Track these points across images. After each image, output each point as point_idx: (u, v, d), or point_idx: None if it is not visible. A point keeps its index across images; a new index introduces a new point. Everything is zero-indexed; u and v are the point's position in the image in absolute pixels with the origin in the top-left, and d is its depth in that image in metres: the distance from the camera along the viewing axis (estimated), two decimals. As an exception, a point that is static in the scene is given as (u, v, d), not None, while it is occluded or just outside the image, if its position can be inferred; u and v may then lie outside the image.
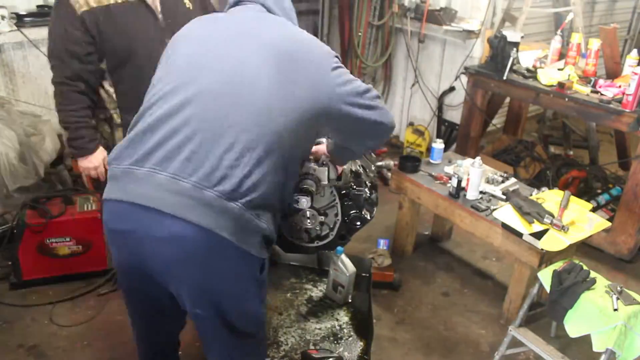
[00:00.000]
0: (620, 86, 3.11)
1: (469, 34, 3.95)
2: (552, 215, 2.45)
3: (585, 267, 2.22)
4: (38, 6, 3.16)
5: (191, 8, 2.24)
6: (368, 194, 2.01)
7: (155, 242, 1.38)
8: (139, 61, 2.12)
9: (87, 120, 2.18)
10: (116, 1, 2.05)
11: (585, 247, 3.21)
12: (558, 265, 2.25)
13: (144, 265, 1.45)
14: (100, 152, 2.24)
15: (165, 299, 1.54)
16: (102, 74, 2.17)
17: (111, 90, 2.20)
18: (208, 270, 1.41)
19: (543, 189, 2.83)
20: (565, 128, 4.53)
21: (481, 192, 2.80)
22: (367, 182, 2.07)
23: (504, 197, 2.74)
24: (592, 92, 3.17)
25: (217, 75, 1.43)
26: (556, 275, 2.18)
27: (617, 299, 2.06)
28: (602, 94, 3.11)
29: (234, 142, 1.37)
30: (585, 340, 2.08)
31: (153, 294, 1.56)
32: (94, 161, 2.22)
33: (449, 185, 2.85)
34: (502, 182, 2.90)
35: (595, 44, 3.38)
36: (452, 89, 4.25)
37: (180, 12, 2.20)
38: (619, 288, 2.11)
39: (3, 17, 2.92)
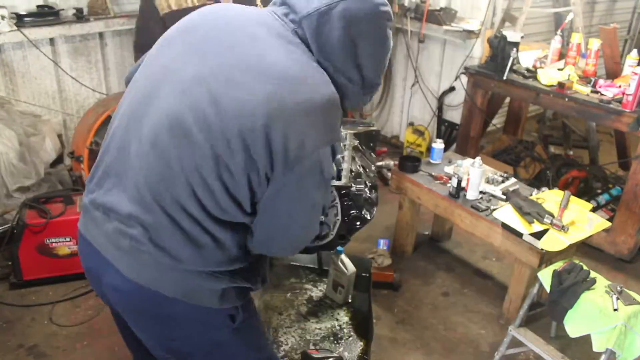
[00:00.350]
0: (620, 86, 3.11)
1: (469, 34, 3.95)
2: (552, 215, 2.45)
3: (585, 267, 2.22)
4: (38, 6, 3.16)
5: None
6: (368, 194, 2.01)
7: (106, 287, 1.31)
8: None
9: None
10: (193, 4, 2.23)
11: (585, 247, 3.21)
12: (558, 265, 2.25)
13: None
14: None
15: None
16: None
17: None
18: (161, 326, 1.31)
19: (543, 189, 2.83)
20: (565, 128, 4.53)
21: (481, 192, 2.79)
22: (367, 182, 2.07)
23: (504, 197, 2.74)
24: (592, 92, 3.17)
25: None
26: (556, 275, 2.18)
27: (617, 299, 2.05)
28: (602, 94, 3.11)
29: None
30: (585, 340, 2.08)
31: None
32: None
33: (449, 185, 2.85)
34: (502, 182, 2.90)
35: (595, 44, 3.37)
36: (452, 89, 4.25)
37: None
38: (619, 288, 2.11)
39: (3, 17, 2.92)
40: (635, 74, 2.87)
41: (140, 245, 1.20)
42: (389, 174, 3.77)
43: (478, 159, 2.75)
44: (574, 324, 2.08)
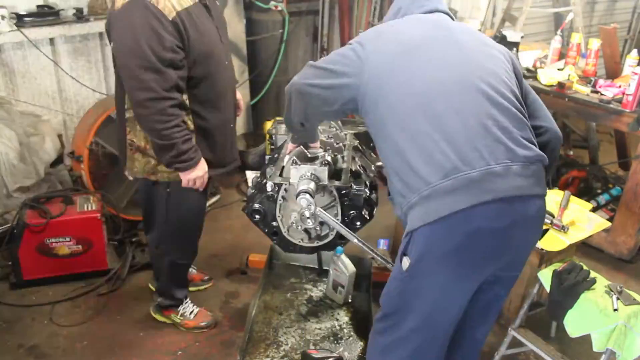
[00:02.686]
0: (620, 86, 3.11)
1: (469, 34, 3.94)
2: (552, 215, 2.45)
3: (585, 267, 2.22)
4: (38, 6, 3.16)
5: (218, 3, 2.24)
6: (368, 194, 2.01)
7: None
8: (213, 63, 2.08)
9: (188, 130, 2.06)
10: (193, 2, 1.98)
11: (585, 247, 3.21)
12: (558, 265, 2.25)
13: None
14: (203, 160, 2.13)
15: None
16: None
17: (184, 96, 2.06)
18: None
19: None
20: (565, 128, 4.53)
21: (481, 192, 2.79)
22: (367, 182, 2.07)
23: (504, 197, 2.74)
24: (592, 92, 3.17)
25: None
26: (556, 275, 2.18)
27: (617, 299, 2.05)
28: (602, 94, 3.11)
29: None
30: (585, 340, 2.08)
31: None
32: (203, 167, 2.12)
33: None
34: (502, 182, 2.90)
35: (595, 44, 3.38)
36: (452, 89, 4.24)
37: (218, 9, 2.20)
38: (619, 288, 2.11)
39: (3, 17, 2.92)
40: (635, 74, 2.88)
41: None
42: (389, 174, 3.77)
43: (478, 159, 2.74)
44: (574, 324, 2.08)
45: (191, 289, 2.80)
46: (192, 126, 2.11)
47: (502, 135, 1.47)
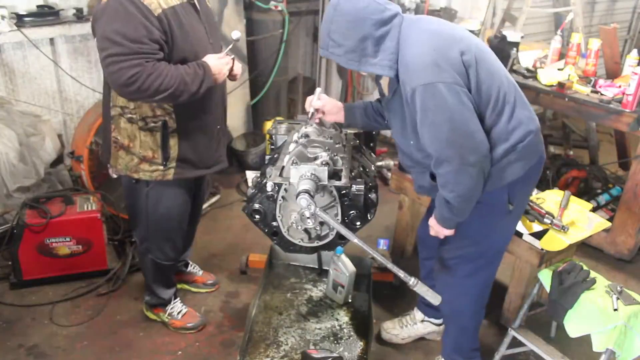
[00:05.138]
0: (620, 86, 3.11)
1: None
2: (552, 215, 2.45)
3: (585, 267, 2.22)
4: (38, 6, 3.16)
5: (209, 6, 2.25)
6: (368, 194, 2.01)
7: None
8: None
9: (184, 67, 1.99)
10: (180, 1, 2.00)
11: (585, 247, 3.21)
12: (558, 265, 2.25)
13: None
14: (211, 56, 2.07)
15: None
16: None
17: None
18: None
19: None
20: (565, 128, 4.53)
21: (481, 192, 2.79)
22: (367, 182, 2.07)
23: (504, 197, 2.74)
24: (592, 92, 3.17)
25: None
26: (556, 275, 2.18)
27: (617, 299, 2.05)
28: (602, 94, 3.12)
29: None
30: (585, 340, 2.08)
31: None
32: (218, 64, 2.06)
33: (449, 185, 2.84)
34: (502, 182, 2.90)
35: (595, 44, 3.38)
36: (452, 89, 4.24)
37: (208, 10, 2.22)
38: (619, 288, 2.11)
39: (3, 17, 2.92)
40: (635, 74, 2.88)
41: None
42: (389, 174, 3.77)
43: (478, 159, 2.73)
44: (574, 324, 2.08)
45: (192, 289, 2.82)
46: (174, 125, 2.11)
47: None
